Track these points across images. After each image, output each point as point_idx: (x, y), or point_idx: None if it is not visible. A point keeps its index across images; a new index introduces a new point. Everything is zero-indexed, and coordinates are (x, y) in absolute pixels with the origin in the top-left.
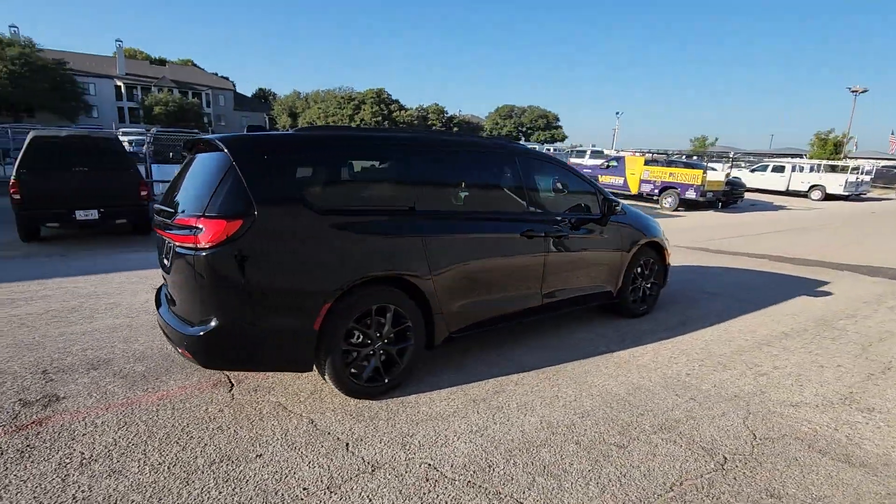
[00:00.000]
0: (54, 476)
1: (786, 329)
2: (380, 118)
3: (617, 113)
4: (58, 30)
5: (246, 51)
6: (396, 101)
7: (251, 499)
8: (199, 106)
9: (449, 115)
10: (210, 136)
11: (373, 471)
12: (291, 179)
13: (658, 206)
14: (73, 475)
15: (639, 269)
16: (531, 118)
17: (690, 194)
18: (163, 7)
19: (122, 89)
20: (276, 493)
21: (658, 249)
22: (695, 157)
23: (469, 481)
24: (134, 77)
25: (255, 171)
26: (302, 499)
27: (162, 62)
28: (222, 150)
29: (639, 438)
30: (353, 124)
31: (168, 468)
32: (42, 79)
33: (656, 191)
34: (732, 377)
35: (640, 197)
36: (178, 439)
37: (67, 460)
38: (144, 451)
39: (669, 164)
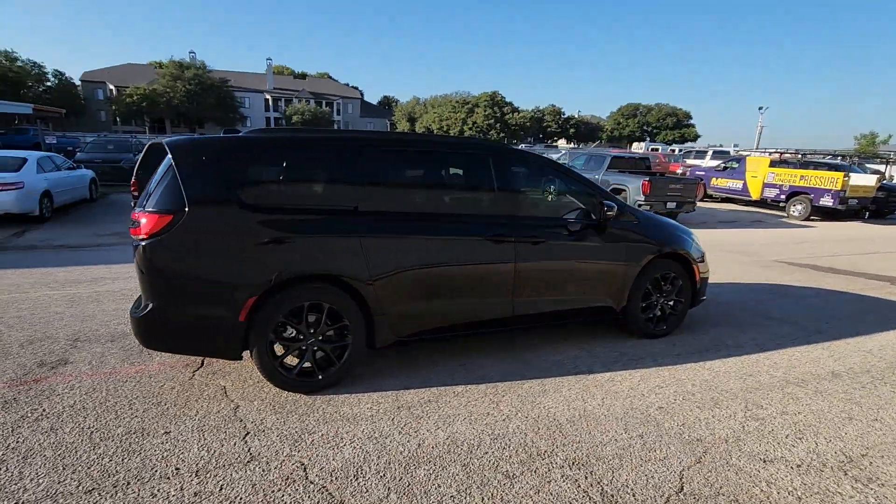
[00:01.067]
0: (8, 426)
1: (840, 368)
2: (492, 121)
3: (760, 108)
4: (223, 52)
5: (373, 62)
6: (510, 104)
7: (130, 470)
8: (329, 114)
9: (566, 115)
10: (163, 139)
11: (247, 462)
12: (225, 179)
13: (784, 213)
14: (22, 427)
15: (654, 284)
16: (658, 116)
17: (826, 201)
18: (307, 28)
19: (270, 102)
20: (151, 469)
21: (684, 263)
22: (854, 159)
23: (324, 487)
24: (279, 91)
25: (191, 172)
26: (168, 478)
27: (303, 76)
28: (167, 153)
29: (536, 471)
30: (465, 128)
31: (91, 433)
32: (210, 95)
33: (782, 196)
34: (713, 418)
35: (762, 203)
36: (119, 408)
37: (28, 414)
38: (86, 415)
39: (803, 165)
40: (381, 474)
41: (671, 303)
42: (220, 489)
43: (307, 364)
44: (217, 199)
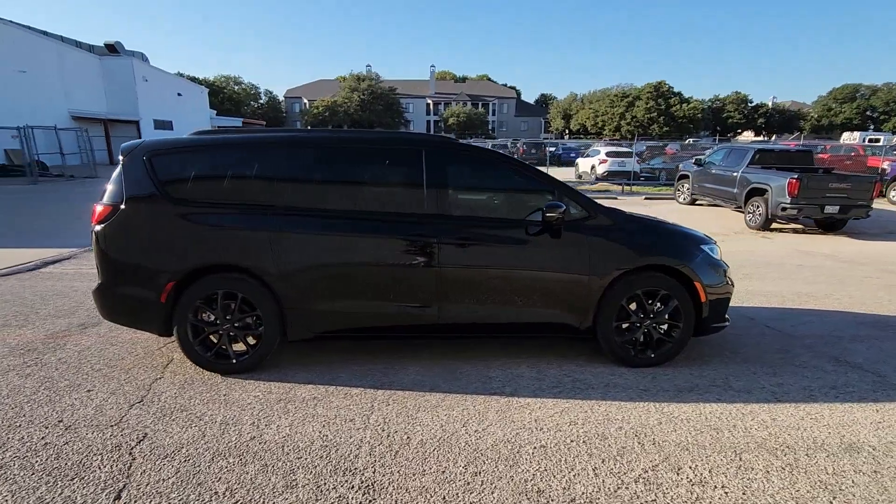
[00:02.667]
0: (22, 363)
1: (871, 441)
2: (655, 114)
3: None
4: (396, 62)
5: (532, 61)
6: (678, 94)
7: (34, 415)
8: (484, 115)
9: (753, 104)
10: (126, 143)
11: (110, 425)
12: (157, 176)
13: None
14: (10, 373)
15: (637, 302)
16: (887, 99)
17: None
18: (469, 33)
19: (431, 106)
20: (45, 417)
21: (680, 278)
22: None
23: (134, 456)
24: (440, 95)
25: (132, 170)
26: (46, 427)
27: (463, 80)
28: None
29: (319, 487)
30: (622, 122)
31: (48, 381)
32: (380, 103)
33: None
34: (593, 471)
35: None
36: (84, 366)
37: (26, 364)
38: (63, 367)
39: None
40: (191, 458)
41: (664, 327)
42: (65, 443)
43: (223, 347)
44: (149, 194)
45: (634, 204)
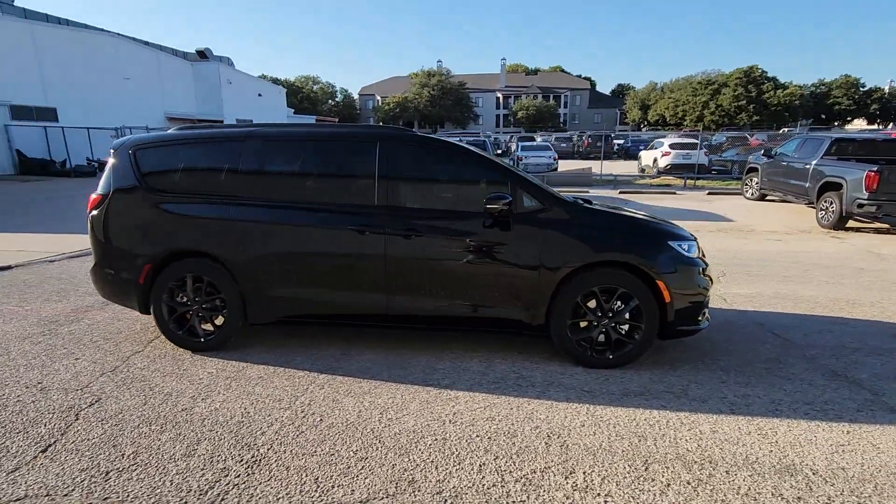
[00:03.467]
0: (44, 332)
1: (823, 463)
2: (743, 101)
3: None
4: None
5: (609, 50)
6: (772, 80)
7: (30, 379)
8: (555, 108)
9: (866, 88)
10: (116, 140)
11: (75, 390)
12: (139, 169)
13: None
14: (26, 340)
15: (596, 301)
16: None
17: None
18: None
19: (500, 100)
20: (28, 379)
21: (642, 276)
22: None
23: (78, 416)
24: (510, 88)
25: (120, 164)
26: (26, 387)
27: (535, 72)
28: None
29: (202, 455)
30: (705, 112)
31: (55, 348)
32: (449, 98)
33: None
34: (481, 464)
35: None
36: (85, 337)
37: (42, 333)
38: (71, 338)
39: None
40: (122, 422)
41: (624, 327)
42: (32, 402)
43: (193, 326)
44: (131, 185)
45: (694, 199)
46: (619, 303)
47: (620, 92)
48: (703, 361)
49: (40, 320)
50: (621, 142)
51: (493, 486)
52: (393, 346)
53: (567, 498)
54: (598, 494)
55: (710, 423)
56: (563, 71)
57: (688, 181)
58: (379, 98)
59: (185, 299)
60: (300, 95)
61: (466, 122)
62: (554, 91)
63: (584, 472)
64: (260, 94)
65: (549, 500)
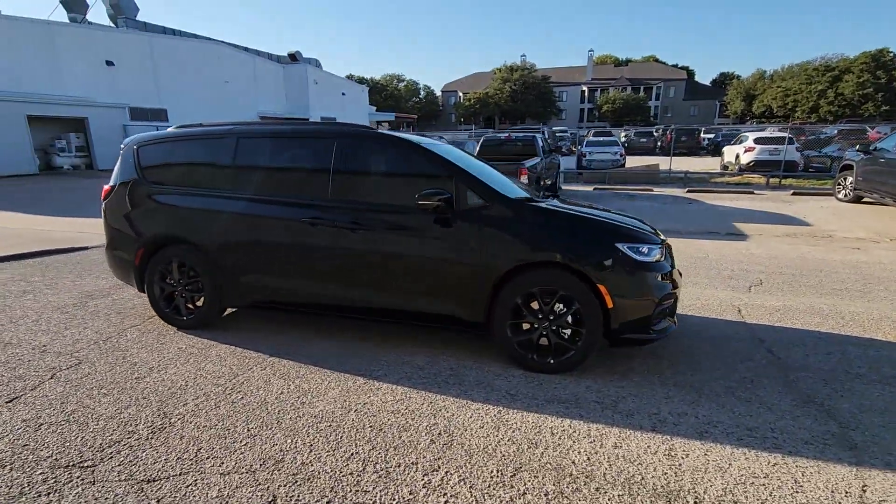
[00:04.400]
0: (76, 306)
1: (718, 492)
2: (870, 89)
3: None
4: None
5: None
6: None
7: (19, 340)
8: (644, 100)
9: None
10: (127, 138)
11: (68, 354)
12: (139, 164)
13: None
14: (58, 312)
15: (537, 303)
16: None
17: None
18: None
19: (586, 93)
20: (26, 342)
21: (583, 278)
22: None
23: (58, 378)
24: (597, 81)
25: (126, 158)
26: (32, 349)
27: (625, 63)
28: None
29: (121, 417)
30: (821, 102)
31: (72, 317)
32: (531, 92)
33: None
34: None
35: None
36: (99, 311)
37: (74, 305)
38: (88, 311)
39: None
40: (82, 385)
41: (567, 332)
42: (29, 361)
43: (178, 306)
44: (132, 178)
45: (773, 200)
46: (560, 306)
47: (722, 82)
48: (662, 374)
49: (80, 294)
50: (711, 136)
51: (350, 474)
52: (352, 337)
53: (412, 494)
54: (445, 494)
55: (619, 438)
56: (657, 61)
57: (772, 180)
58: (461, 94)
59: (171, 281)
60: (384, 94)
61: (548, 116)
62: (645, 82)
63: (447, 472)
64: (343, 93)
65: (393, 494)
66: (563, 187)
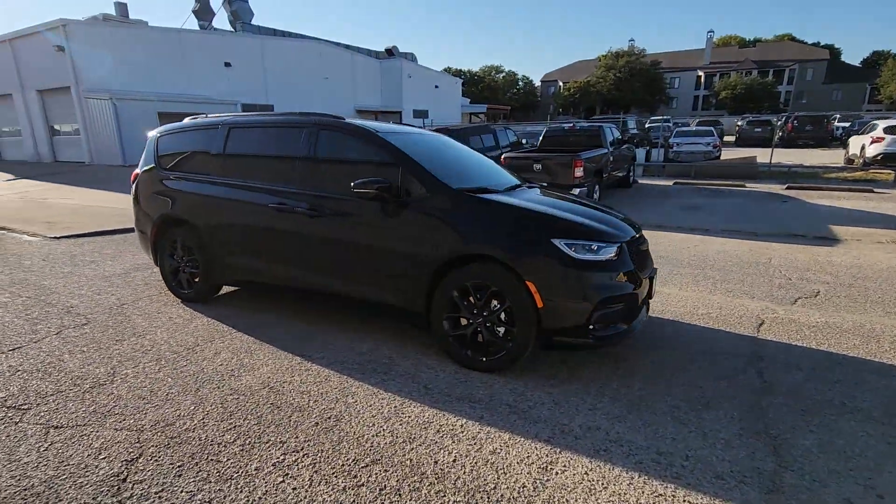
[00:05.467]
0: (101, 277)
1: None
2: None
3: None
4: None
5: (862, 10)
6: None
7: (53, 295)
8: (772, 85)
9: None
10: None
11: (85, 315)
12: (157, 153)
13: None
14: (99, 280)
15: (472, 298)
16: None
17: None
18: None
19: (702, 79)
20: (61, 299)
21: (514, 273)
22: None
23: (59, 333)
24: (717, 65)
25: (150, 147)
26: (67, 312)
27: (753, 43)
28: None
29: (83, 367)
30: None
31: (98, 284)
32: (637, 80)
33: None
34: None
35: None
36: (134, 281)
37: (116, 275)
38: (121, 280)
39: None
40: (82, 338)
41: (501, 330)
42: (51, 318)
43: (181, 279)
44: (151, 165)
45: (877, 200)
46: (495, 302)
47: (874, 62)
48: (607, 384)
49: (131, 266)
50: (846, 125)
51: (218, 444)
52: (321, 320)
53: (256, 470)
54: (285, 475)
55: (503, 444)
56: (793, 39)
57: None
58: (560, 84)
59: (176, 257)
60: (480, 85)
61: (656, 105)
62: (776, 65)
63: (305, 454)
64: (437, 86)
65: (241, 467)
66: (641, 181)
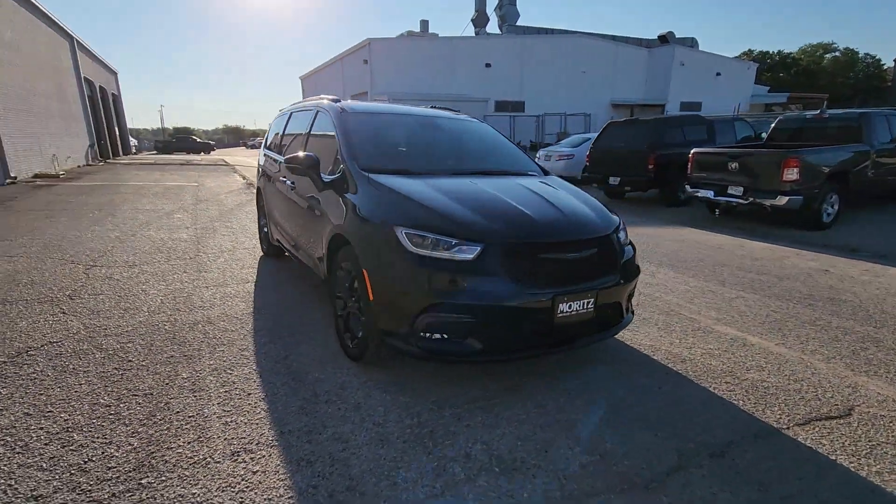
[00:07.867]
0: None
1: None
2: None
3: None
4: None
5: None
6: None
7: (102, 252)
8: None
9: None
10: None
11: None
12: (267, 138)
13: None
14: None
15: (350, 281)
16: None
17: None
18: None
19: None
20: (108, 255)
21: (358, 263)
22: None
23: (69, 315)
24: None
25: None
26: (100, 258)
27: None
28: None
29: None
30: None
31: (151, 249)
32: None
33: None
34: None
35: None
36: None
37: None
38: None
39: None
40: (102, 294)
41: (362, 318)
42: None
43: (261, 238)
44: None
45: None
46: (356, 285)
47: None
48: (447, 385)
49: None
50: None
51: (113, 373)
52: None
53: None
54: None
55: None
56: None
57: None
58: None
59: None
60: (795, 69)
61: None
62: None
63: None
64: (718, 74)
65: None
66: None
